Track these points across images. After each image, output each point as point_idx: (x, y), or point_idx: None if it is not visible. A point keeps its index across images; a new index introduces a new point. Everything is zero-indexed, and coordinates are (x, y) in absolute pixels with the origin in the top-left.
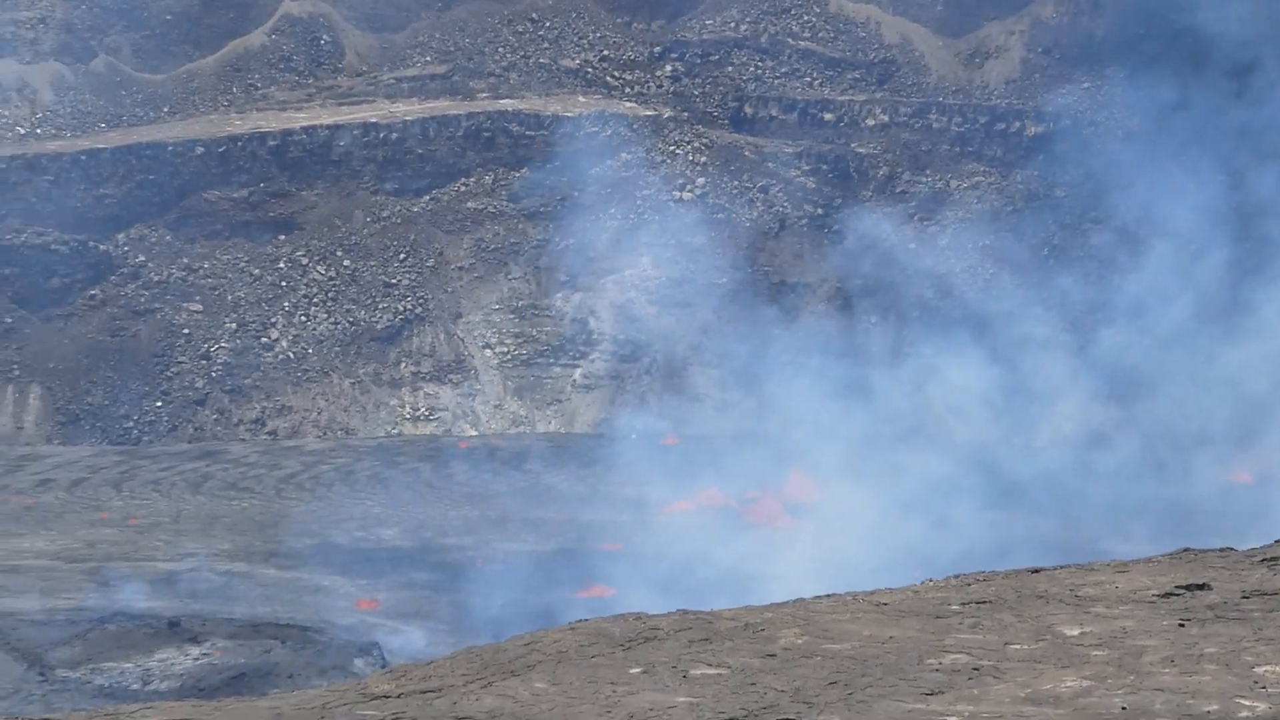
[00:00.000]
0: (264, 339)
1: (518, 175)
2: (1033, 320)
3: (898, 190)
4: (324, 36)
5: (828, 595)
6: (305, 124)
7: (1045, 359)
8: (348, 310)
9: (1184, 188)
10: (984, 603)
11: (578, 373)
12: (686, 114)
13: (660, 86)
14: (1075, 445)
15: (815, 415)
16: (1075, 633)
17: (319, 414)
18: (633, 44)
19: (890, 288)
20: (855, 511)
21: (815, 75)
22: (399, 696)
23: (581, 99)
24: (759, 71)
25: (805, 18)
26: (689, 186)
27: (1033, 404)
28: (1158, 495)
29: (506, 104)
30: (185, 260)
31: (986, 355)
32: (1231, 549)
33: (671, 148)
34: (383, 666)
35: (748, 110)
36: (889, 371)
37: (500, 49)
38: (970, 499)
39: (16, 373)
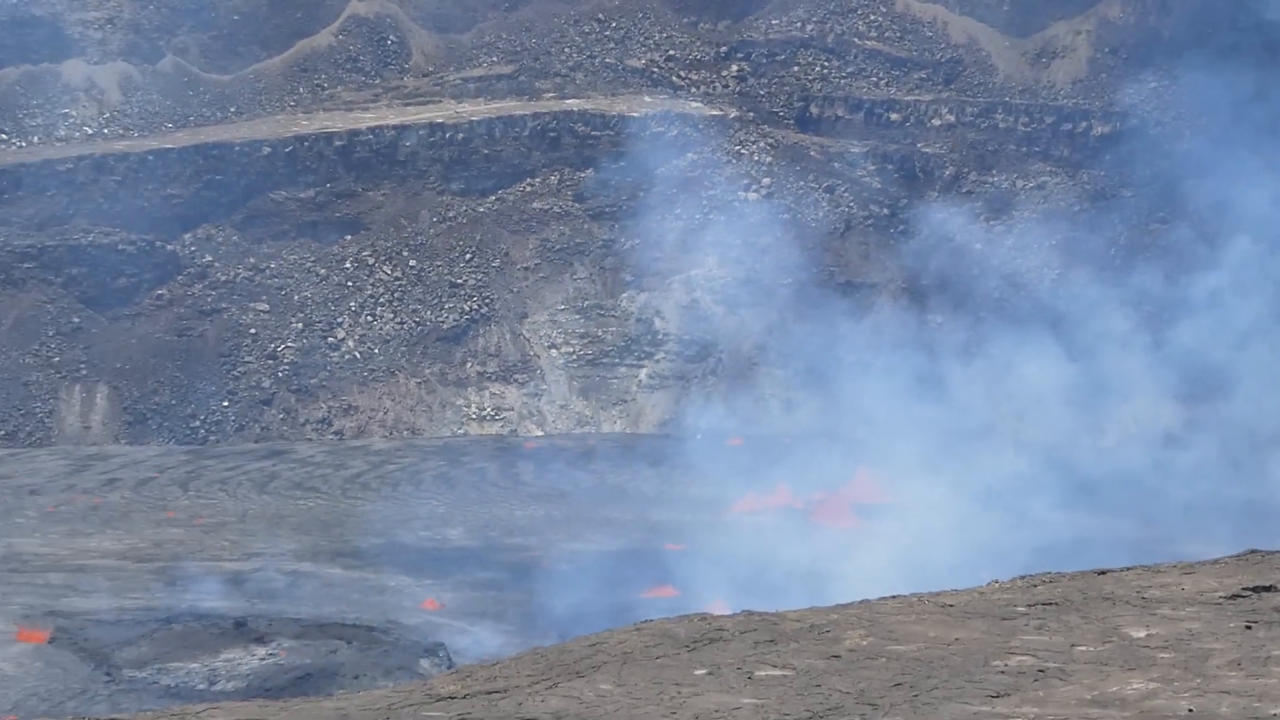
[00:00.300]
0: (330, 339)
1: (583, 175)
2: (1105, 317)
3: (964, 190)
4: (391, 37)
5: (893, 596)
6: (371, 124)
7: (1119, 356)
8: (414, 310)
9: (1262, 181)
10: (1050, 604)
11: (643, 373)
12: (752, 114)
13: (726, 86)
14: (1150, 443)
15: (882, 414)
16: (1141, 635)
17: (385, 414)
18: (699, 44)
19: (957, 286)
20: (924, 511)
21: (881, 75)
22: (464, 697)
23: (647, 99)
24: (825, 71)
25: (872, 17)
26: (755, 186)
27: (1107, 401)
28: (1234, 495)
29: (572, 104)
30: (252, 260)
31: (1059, 353)
32: None
33: (737, 147)
34: (448, 667)
35: (814, 110)
36: (958, 369)
37: (566, 49)
38: (1043, 498)
39: (84, 372)
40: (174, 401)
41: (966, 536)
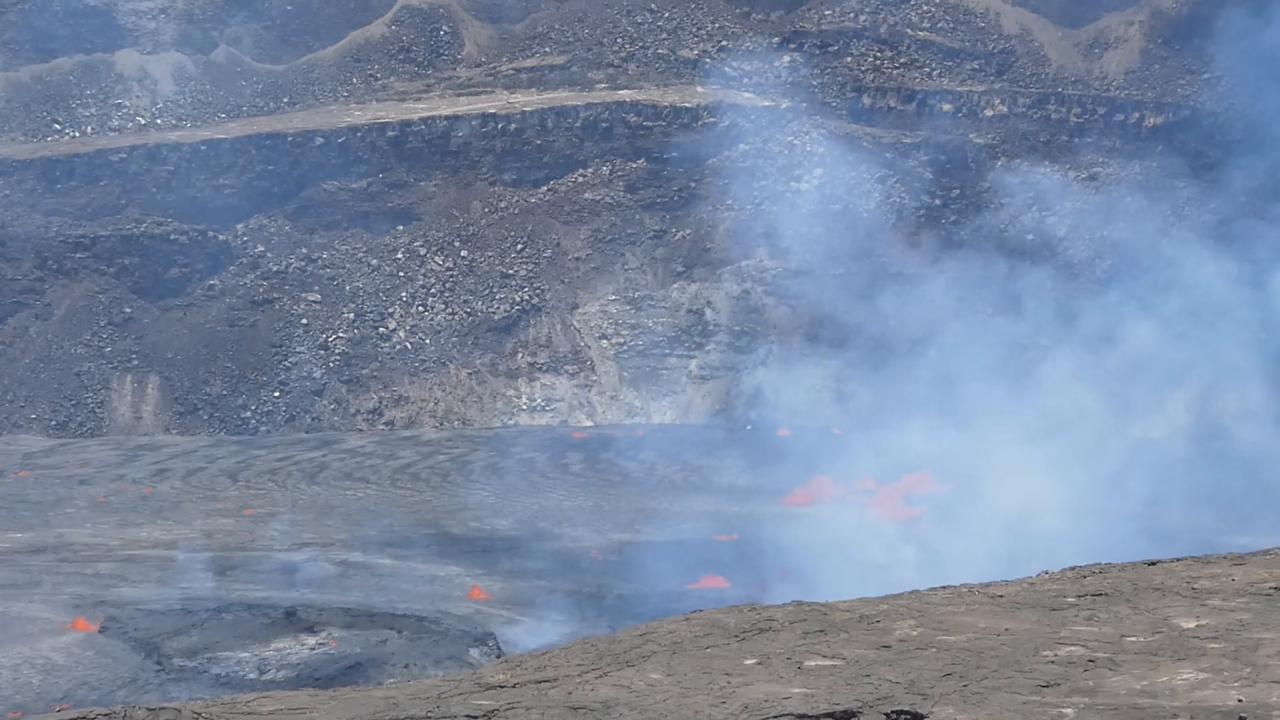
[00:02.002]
0: (381, 329)
1: (635, 166)
2: (1155, 311)
3: (1016, 181)
4: (443, 27)
5: (943, 587)
6: (424, 114)
7: (1174, 347)
8: (465, 301)
9: None
10: (1100, 595)
11: (693, 363)
12: (805, 104)
13: (779, 77)
14: (1206, 434)
15: (934, 406)
16: (1191, 625)
17: (436, 404)
18: (751, 34)
19: (1010, 279)
20: (978, 503)
21: (934, 66)
22: (514, 686)
23: (700, 89)
24: (878, 62)
25: (925, 8)
26: (806, 177)
27: (1166, 392)
28: None
29: (625, 95)
30: (304, 250)
31: (1110, 345)
32: None
33: (789, 138)
34: (498, 656)
35: (866, 101)
36: (1010, 362)
37: (619, 40)
38: (1102, 488)
39: (135, 362)
40: (225, 392)
41: (1018, 528)
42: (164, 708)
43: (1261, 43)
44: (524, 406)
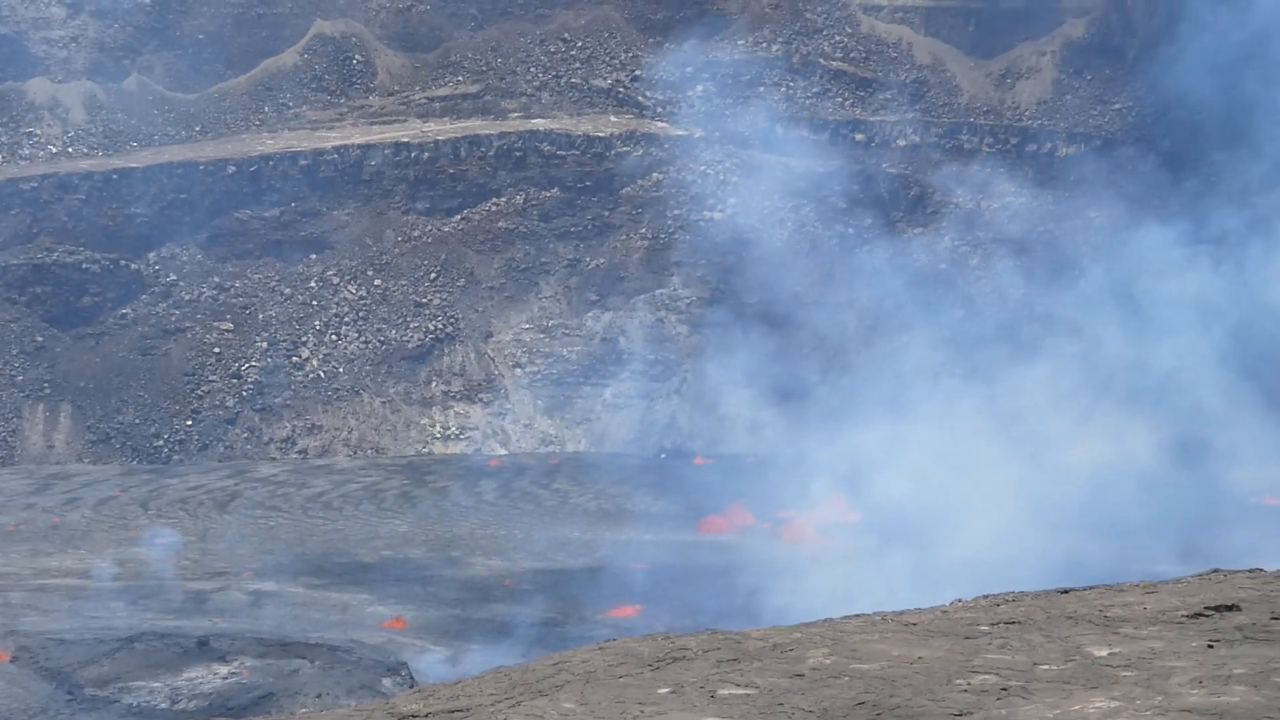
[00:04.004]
0: (295, 358)
1: (549, 195)
2: (1065, 338)
3: (929, 211)
4: (356, 56)
5: (856, 615)
6: (337, 143)
7: (1074, 379)
8: (379, 329)
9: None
10: (1013, 623)
11: (608, 392)
12: (718, 134)
13: (692, 106)
14: (1100, 463)
15: (847, 435)
16: (1104, 653)
17: (349, 433)
18: (665, 64)
19: (920, 309)
20: (888, 531)
21: (846, 95)
22: (427, 716)
23: (613, 119)
24: (790, 92)
25: (837, 38)
26: (720, 206)
27: (1076, 424)
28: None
29: (538, 124)
30: (216, 279)
31: (1024, 375)
32: (1261, 570)
33: (703, 167)
34: (411, 686)
35: (779, 130)
36: (919, 391)
37: (532, 69)
38: (1003, 517)
39: (48, 391)
40: (138, 421)
41: (928, 557)
42: None
43: (1176, 73)
44: (438, 435)
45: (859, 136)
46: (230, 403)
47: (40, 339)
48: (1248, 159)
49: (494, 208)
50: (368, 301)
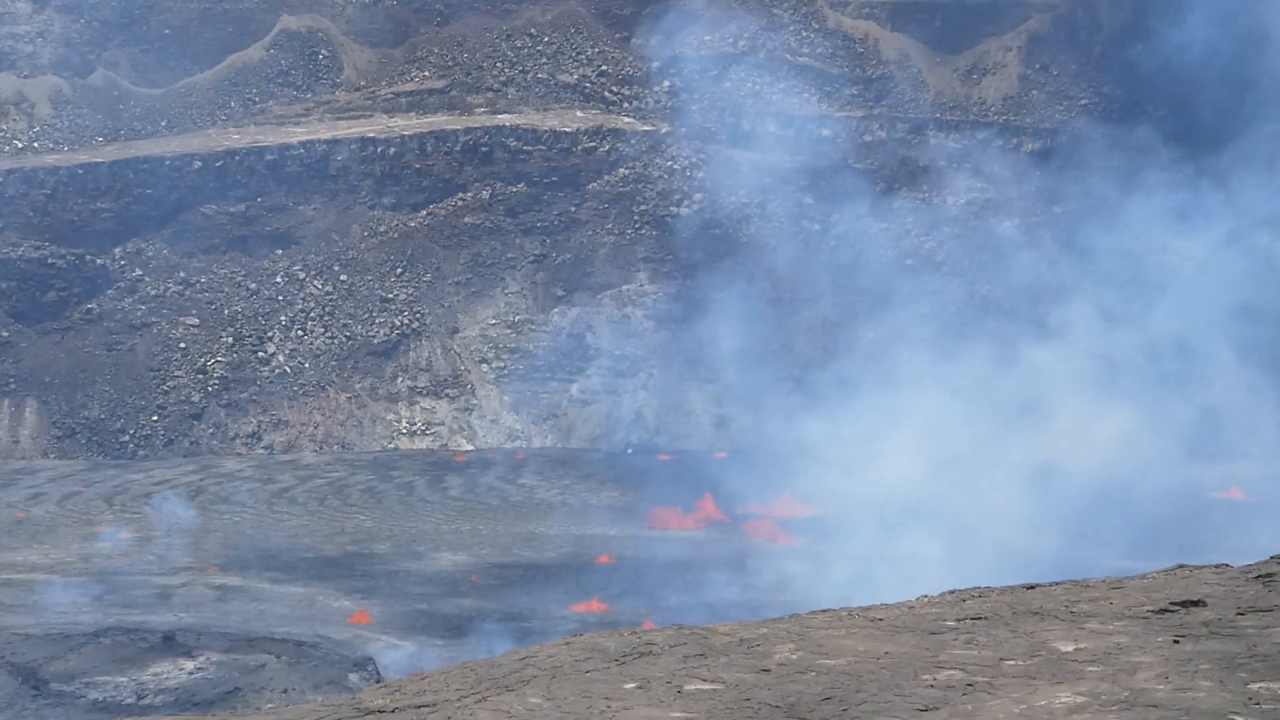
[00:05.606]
0: (260, 353)
1: (515, 190)
2: (1034, 335)
3: (895, 206)
4: (322, 51)
5: (823, 611)
6: (303, 138)
7: (1039, 380)
8: (344, 325)
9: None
10: (979, 619)
11: (574, 387)
12: (684, 129)
13: (658, 101)
14: (1086, 461)
15: (812, 432)
16: (1070, 649)
17: (315, 428)
18: (631, 59)
19: (887, 304)
20: (852, 528)
21: (813, 91)
22: (393, 711)
23: (579, 114)
24: (757, 87)
25: (803, 34)
26: (686, 201)
27: (1043, 420)
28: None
29: (504, 119)
30: (182, 274)
31: (990, 374)
32: (1226, 565)
33: (669, 163)
34: (377, 681)
35: (745, 125)
36: (886, 390)
37: (498, 64)
38: (969, 515)
39: (13, 386)
40: (103, 416)
41: (892, 553)
42: None
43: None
44: (404, 430)
45: (826, 132)
46: (196, 398)
47: (5, 334)
48: (1216, 151)
49: (460, 203)
50: (334, 297)
